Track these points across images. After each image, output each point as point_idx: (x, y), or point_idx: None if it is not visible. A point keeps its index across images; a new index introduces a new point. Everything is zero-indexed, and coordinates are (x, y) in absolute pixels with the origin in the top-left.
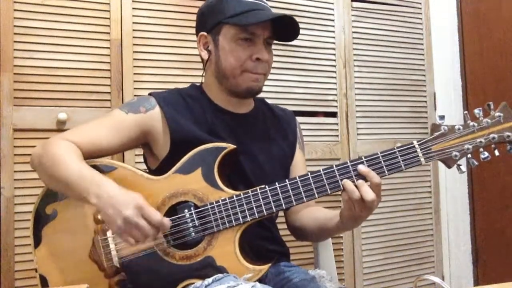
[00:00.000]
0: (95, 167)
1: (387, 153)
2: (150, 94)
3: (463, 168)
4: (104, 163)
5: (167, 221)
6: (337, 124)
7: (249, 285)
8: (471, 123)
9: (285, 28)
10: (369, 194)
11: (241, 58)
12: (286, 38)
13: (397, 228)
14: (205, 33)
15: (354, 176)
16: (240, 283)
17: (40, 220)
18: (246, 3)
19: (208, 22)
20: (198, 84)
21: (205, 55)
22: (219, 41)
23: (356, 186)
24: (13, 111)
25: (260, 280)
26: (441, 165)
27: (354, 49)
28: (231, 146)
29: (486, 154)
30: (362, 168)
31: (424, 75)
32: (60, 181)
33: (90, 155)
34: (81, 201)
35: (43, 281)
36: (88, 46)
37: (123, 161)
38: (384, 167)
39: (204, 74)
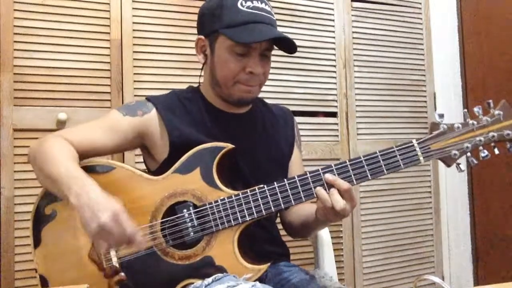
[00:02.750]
0: (91, 167)
1: (386, 152)
2: (147, 98)
3: (463, 167)
4: (102, 163)
5: (139, 236)
6: (337, 124)
7: (249, 285)
8: (471, 122)
9: (284, 39)
10: (339, 203)
11: (234, 71)
12: (285, 48)
13: (397, 228)
14: (202, 37)
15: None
16: (240, 283)
17: (40, 220)
18: (245, 13)
19: (206, 26)
20: (195, 86)
21: (201, 58)
22: (215, 48)
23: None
24: (13, 111)
25: (260, 280)
26: (441, 165)
27: (354, 49)
28: (229, 146)
29: (486, 152)
30: (329, 177)
31: (424, 75)
32: (48, 177)
33: (86, 154)
34: (64, 199)
35: (43, 281)
36: (88, 46)
37: (123, 161)
38: (383, 166)
39: (202, 75)
